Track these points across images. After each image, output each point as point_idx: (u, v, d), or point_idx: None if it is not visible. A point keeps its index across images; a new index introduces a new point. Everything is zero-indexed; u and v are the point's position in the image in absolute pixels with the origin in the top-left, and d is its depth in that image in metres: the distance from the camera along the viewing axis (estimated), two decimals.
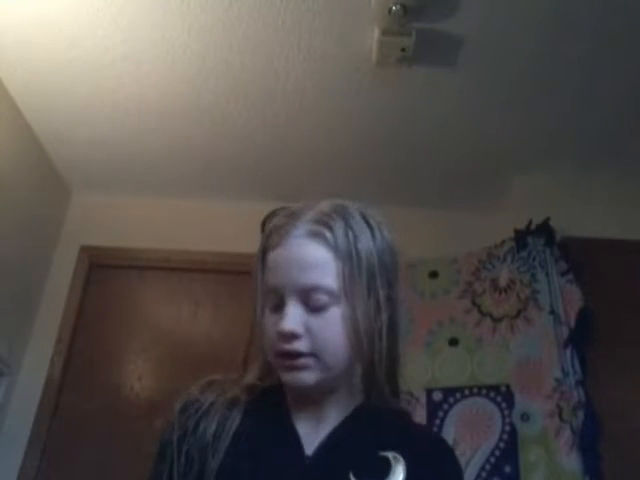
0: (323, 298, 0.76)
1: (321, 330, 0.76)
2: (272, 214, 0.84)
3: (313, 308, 0.76)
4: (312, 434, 0.80)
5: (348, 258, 0.78)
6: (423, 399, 2.18)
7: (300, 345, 0.76)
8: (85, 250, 2.72)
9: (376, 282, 0.79)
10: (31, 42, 2.07)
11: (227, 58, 2.10)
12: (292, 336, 0.76)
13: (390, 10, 1.83)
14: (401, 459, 0.78)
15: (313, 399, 0.83)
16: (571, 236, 2.28)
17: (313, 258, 0.77)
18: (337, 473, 0.76)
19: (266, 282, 0.80)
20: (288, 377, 0.79)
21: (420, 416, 2.14)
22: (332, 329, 0.77)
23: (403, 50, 1.96)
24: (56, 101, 2.33)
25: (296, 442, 0.79)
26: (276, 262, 0.79)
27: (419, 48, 1.96)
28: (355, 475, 0.75)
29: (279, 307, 0.78)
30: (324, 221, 0.79)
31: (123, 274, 2.70)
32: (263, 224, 0.85)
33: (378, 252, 0.81)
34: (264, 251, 0.82)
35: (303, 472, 0.77)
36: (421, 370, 2.24)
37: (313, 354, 0.76)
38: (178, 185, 2.78)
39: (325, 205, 0.82)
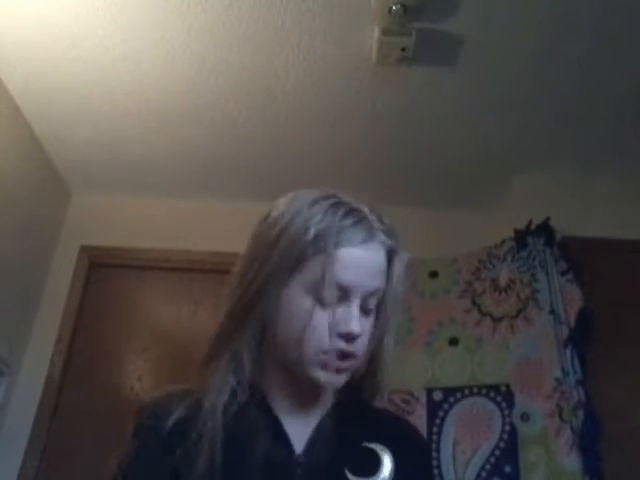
0: (374, 302, 0.80)
1: (365, 334, 0.79)
2: (335, 207, 0.80)
3: (365, 311, 0.79)
4: (299, 432, 0.80)
5: (397, 277, 0.83)
6: (423, 399, 2.18)
7: (356, 347, 0.78)
8: (85, 250, 2.73)
9: (398, 307, 0.86)
10: (31, 42, 2.07)
11: (227, 58, 2.10)
12: (355, 338, 0.77)
13: (390, 10, 1.83)
14: (387, 450, 0.80)
15: (303, 396, 0.83)
16: (571, 236, 2.28)
17: (381, 266, 0.80)
18: (331, 469, 0.77)
19: (332, 278, 0.75)
20: (325, 377, 0.78)
21: (420, 416, 2.14)
22: (366, 336, 0.80)
23: (403, 50, 1.96)
24: (56, 101, 2.33)
25: (285, 441, 0.79)
26: (349, 262, 0.77)
27: (419, 48, 1.96)
28: (350, 470, 0.76)
29: (332, 303, 0.76)
30: (391, 233, 0.82)
31: (123, 274, 2.70)
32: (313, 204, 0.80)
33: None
34: (320, 241, 0.76)
35: (296, 470, 0.77)
36: (421, 370, 2.24)
37: (355, 357, 0.78)
38: (178, 185, 2.78)
39: (382, 214, 0.84)
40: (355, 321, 0.76)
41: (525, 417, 2.04)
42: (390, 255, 0.82)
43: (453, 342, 2.28)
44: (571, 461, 1.91)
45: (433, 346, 2.28)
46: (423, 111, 2.31)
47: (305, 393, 0.83)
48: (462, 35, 1.97)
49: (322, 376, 0.78)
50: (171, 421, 0.77)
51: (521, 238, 2.33)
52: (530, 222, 2.34)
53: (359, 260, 0.77)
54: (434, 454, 2.07)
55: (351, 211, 0.80)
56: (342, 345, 0.76)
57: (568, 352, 2.06)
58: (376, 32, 1.93)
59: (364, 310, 0.79)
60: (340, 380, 0.79)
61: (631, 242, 2.30)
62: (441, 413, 2.15)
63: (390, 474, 0.78)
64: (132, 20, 1.97)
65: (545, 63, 2.06)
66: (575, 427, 1.94)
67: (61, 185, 2.79)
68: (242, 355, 0.80)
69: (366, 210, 0.82)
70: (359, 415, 0.86)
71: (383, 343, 0.84)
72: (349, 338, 0.76)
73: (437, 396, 2.19)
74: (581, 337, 2.09)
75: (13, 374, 2.41)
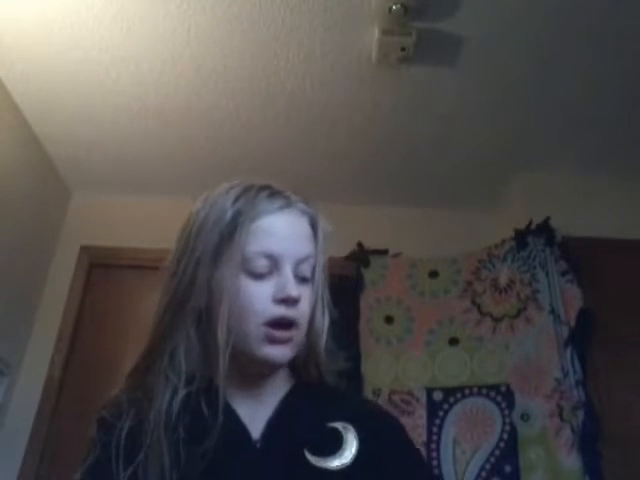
0: (308, 270, 0.80)
1: (304, 301, 0.78)
2: (249, 187, 0.83)
3: (302, 278, 0.79)
4: (253, 418, 0.79)
5: (321, 246, 0.83)
6: (423, 399, 2.18)
7: (297, 312, 0.77)
8: (85, 250, 2.72)
9: (324, 274, 0.85)
10: (31, 42, 2.06)
11: (227, 58, 2.10)
12: (295, 301, 0.77)
13: (390, 9, 1.83)
14: (351, 428, 0.78)
15: (253, 382, 0.81)
16: (571, 236, 2.28)
17: (306, 232, 0.82)
18: (290, 451, 0.75)
19: (250, 248, 0.77)
20: (272, 351, 0.77)
21: (420, 416, 2.14)
22: (305, 303, 0.79)
23: (403, 50, 1.96)
24: (56, 101, 2.33)
25: (242, 429, 0.77)
26: (271, 229, 0.79)
27: (419, 48, 1.96)
28: (309, 451, 0.75)
29: (264, 275, 0.77)
30: (311, 208, 0.84)
31: (123, 274, 2.70)
32: (236, 198, 0.82)
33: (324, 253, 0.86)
34: (239, 217, 0.79)
35: (255, 457, 0.75)
36: (421, 370, 2.24)
37: (297, 325, 0.78)
38: (178, 185, 2.78)
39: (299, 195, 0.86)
40: (291, 285, 0.76)
41: (525, 417, 2.04)
42: (313, 224, 0.83)
43: (453, 342, 2.28)
44: (571, 461, 1.91)
45: (433, 346, 2.29)
46: (423, 111, 2.31)
47: (256, 378, 0.81)
48: (462, 35, 1.97)
49: (269, 351, 0.77)
50: (124, 430, 0.76)
51: (521, 238, 2.33)
52: (530, 222, 2.34)
53: (280, 227, 0.79)
54: (434, 454, 2.07)
55: (265, 187, 0.82)
56: (283, 311, 0.76)
57: (568, 352, 2.06)
58: (376, 32, 1.93)
59: (300, 278, 0.79)
60: (287, 353, 0.78)
61: (631, 242, 2.30)
62: (441, 413, 2.15)
63: (353, 452, 0.76)
64: (132, 20, 1.97)
65: (545, 63, 2.06)
66: (575, 427, 1.94)
67: (61, 185, 2.79)
68: (181, 351, 0.78)
69: (283, 189, 0.84)
70: (320, 396, 0.84)
71: (315, 313, 0.82)
72: (289, 303, 0.76)
73: (437, 396, 2.19)
74: (581, 337, 2.09)
75: (13, 374, 2.40)
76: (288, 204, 0.81)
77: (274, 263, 0.78)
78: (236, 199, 0.80)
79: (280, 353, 0.77)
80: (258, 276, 0.77)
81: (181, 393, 0.76)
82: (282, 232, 0.79)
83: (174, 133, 2.47)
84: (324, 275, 0.84)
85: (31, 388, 2.41)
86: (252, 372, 0.81)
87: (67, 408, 2.41)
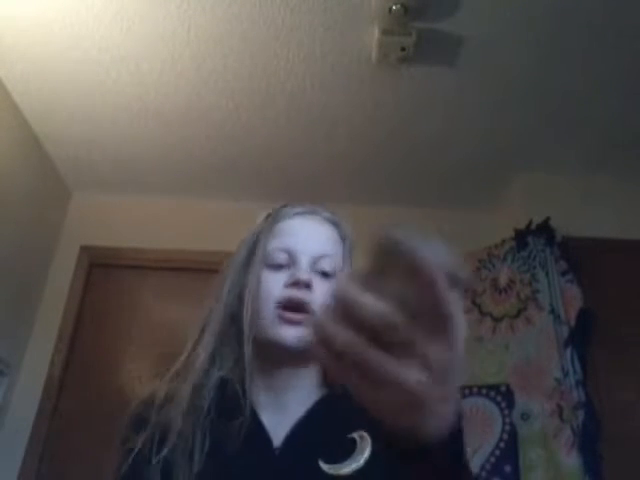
0: (328, 266, 0.86)
1: (319, 291, 0.83)
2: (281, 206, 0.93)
3: (322, 273, 0.85)
4: (277, 425, 0.81)
5: (348, 251, 0.92)
6: None
7: (309, 297, 0.82)
8: (85, 250, 2.73)
9: None
10: (31, 42, 2.07)
11: (227, 58, 2.10)
12: (306, 285, 0.82)
13: (390, 10, 1.83)
14: (367, 437, 0.79)
15: (280, 389, 0.83)
16: (571, 236, 2.28)
17: (328, 235, 0.90)
18: (307, 462, 0.77)
19: (271, 245, 0.86)
20: (285, 332, 0.80)
21: None
22: (322, 295, 0.83)
23: (403, 50, 1.96)
24: (56, 101, 2.33)
25: (264, 434, 0.79)
26: (290, 230, 0.88)
27: (419, 48, 1.96)
28: (324, 460, 0.76)
29: (282, 266, 0.85)
30: (336, 217, 0.93)
31: (123, 274, 2.70)
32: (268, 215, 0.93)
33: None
34: (265, 224, 0.90)
35: (273, 464, 0.77)
36: None
37: (309, 310, 0.81)
38: (178, 185, 2.78)
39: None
40: (302, 271, 0.83)
41: (525, 417, 2.04)
42: (339, 231, 0.92)
43: None
44: (571, 461, 1.91)
45: None
46: (423, 111, 2.31)
47: (281, 385, 0.83)
48: (462, 35, 1.97)
49: (281, 332, 0.80)
50: (155, 428, 0.78)
51: (521, 238, 2.33)
52: (530, 222, 2.34)
53: (298, 227, 0.89)
54: None
55: (295, 204, 0.93)
56: (293, 293, 0.82)
57: (568, 352, 2.06)
58: (376, 32, 1.93)
59: (319, 272, 0.85)
60: (299, 335, 0.80)
61: (631, 242, 2.30)
62: None
63: (365, 459, 0.77)
64: (132, 20, 1.97)
65: (545, 63, 2.06)
66: (575, 427, 1.94)
67: (61, 185, 2.79)
68: (224, 350, 0.84)
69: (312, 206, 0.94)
70: (348, 408, 0.85)
71: None
72: (299, 286, 0.82)
73: None
74: (581, 337, 2.09)
75: (13, 374, 2.41)
76: (310, 212, 0.91)
77: (291, 257, 0.85)
78: (268, 214, 0.92)
79: (291, 334, 0.80)
80: (276, 267, 0.85)
81: (214, 376, 0.82)
82: (300, 231, 0.88)
83: (174, 133, 2.47)
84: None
85: (31, 388, 2.41)
86: (273, 359, 0.83)
87: (67, 408, 2.41)
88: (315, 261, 0.85)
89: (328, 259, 0.86)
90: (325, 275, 0.85)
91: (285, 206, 0.92)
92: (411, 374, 0.40)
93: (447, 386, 0.43)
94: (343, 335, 0.41)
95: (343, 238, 0.92)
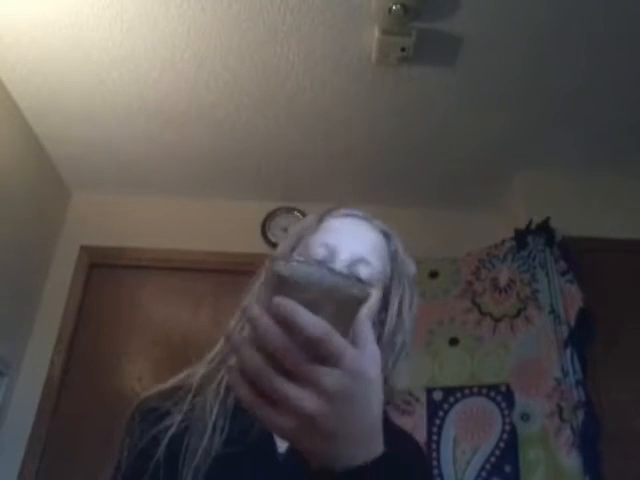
0: (364, 273, 0.82)
1: None
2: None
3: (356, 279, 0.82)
4: None
5: (397, 266, 0.89)
6: (423, 399, 2.18)
7: None
8: (85, 250, 2.72)
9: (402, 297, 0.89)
10: (31, 42, 2.07)
11: (227, 58, 2.10)
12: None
13: (390, 10, 1.83)
14: None
15: None
16: (571, 236, 2.28)
17: (372, 242, 0.87)
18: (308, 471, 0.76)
19: (312, 241, 0.85)
20: None
21: (420, 416, 2.14)
22: None
23: (403, 50, 1.96)
24: (56, 101, 2.33)
25: (269, 440, 0.79)
26: (332, 227, 0.87)
27: (419, 48, 1.96)
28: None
29: (319, 257, 0.83)
30: (389, 229, 0.92)
31: (123, 274, 2.70)
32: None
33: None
34: (321, 220, 0.90)
35: (275, 469, 0.77)
36: (421, 370, 2.24)
37: None
38: (178, 185, 2.78)
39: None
40: (337, 263, 0.81)
41: (525, 417, 2.04)
42: (389, 243, 0.90)
43: (453, 342, 2.28)
44: (571, 461, 1.91)
45: (433, 346, 2.28)
46: (423, 111, 2.31)
47: None
48: (462, 35, 1.97)
49: None
50: (165, 421, 0.78)
51: (521, 238, 2.33)
52: (530, 222, 2.34)
53: (341, 226, 0.88)
54: (434, 454, 2.07)
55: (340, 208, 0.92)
56: None
57: (568, 352, 2.06)
58: (376, 32, 1.93)
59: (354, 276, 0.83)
60: None
61: (631, 242, 2.30)
62: (441, 413, 2.15)
63: None
64: (132, 20, 1.97)
65: (545, 63, 2.06)
66: (575, 427, 1.94)
67: (61, 185, 2.79)
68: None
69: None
70: None
71: (395, 339, 0.84)
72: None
73: (437, 396, 2.19)
74: (581, 337, 2.09)
75: (13, 374, 2.40)
76: (361, 216, 0.90)
77: (330, 253, 0.83)
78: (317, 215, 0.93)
79: None
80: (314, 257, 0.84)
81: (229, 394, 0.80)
82: (344, 229, 0.87)
83: (174, 133, 2.47)
84: (411, 309, 0.88)
85: (31, 388, 2.41)
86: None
87: (67, 408, 2.41)
88: (354, 263, 0.82)
89: (368, 266, 0.83)
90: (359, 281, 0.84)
91: (335, 208, 0.92)
92: (310, 400, 0.42)
93: (353, 416, 0.44)
94: (254, 361, 0.43)
95: (392, 257, 0.89)
